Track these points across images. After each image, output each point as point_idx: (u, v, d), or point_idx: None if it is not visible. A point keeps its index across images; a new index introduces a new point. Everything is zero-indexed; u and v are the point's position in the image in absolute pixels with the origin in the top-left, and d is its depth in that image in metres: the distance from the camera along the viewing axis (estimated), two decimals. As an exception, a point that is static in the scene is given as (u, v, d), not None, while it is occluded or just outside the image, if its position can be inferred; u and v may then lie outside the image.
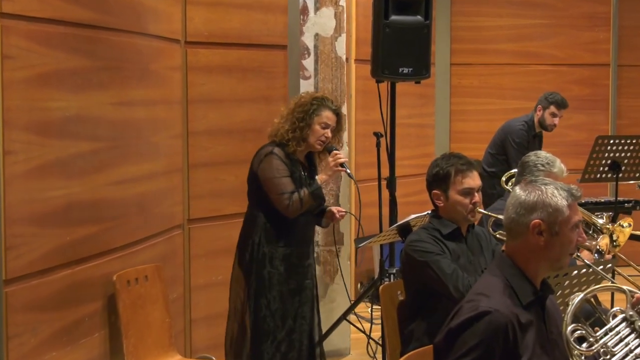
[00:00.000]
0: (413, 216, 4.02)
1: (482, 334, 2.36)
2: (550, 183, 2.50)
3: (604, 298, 4.90)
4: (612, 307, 3.95)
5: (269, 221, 3.96)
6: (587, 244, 3.75)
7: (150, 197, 3.98)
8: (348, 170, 4.04)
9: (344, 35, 5.25)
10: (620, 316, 2.55)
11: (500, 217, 3.24)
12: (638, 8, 7.95)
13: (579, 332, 2.46)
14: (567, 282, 3.09)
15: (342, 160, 3.97)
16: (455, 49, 7.82)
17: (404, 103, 6.12)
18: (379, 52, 4.47)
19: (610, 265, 3.32)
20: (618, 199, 5.65)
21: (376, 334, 4.84)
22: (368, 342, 4.95)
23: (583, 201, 4.93)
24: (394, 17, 4.46)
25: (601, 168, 5.43)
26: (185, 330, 4.44)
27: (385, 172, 4.64)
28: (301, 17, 5.10)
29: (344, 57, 5.26)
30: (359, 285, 6.53)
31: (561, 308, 2.71)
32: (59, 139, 3.24)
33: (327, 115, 3.98)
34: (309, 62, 5.13)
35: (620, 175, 5.42)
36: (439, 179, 3.43)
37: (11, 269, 2.98)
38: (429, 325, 3.29)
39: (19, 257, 3.02)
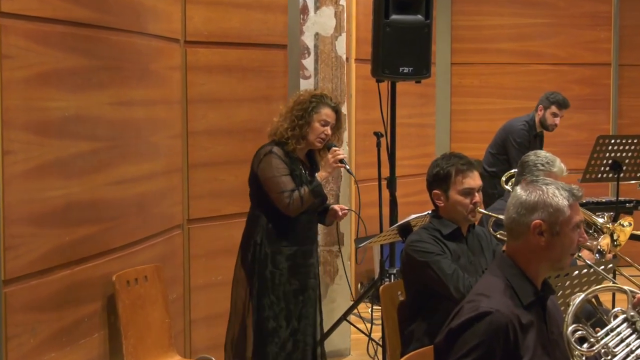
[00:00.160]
0: (413, 216, 4.01)
1: (483, 335, 2.35)
2: (552, 183, 2.49)
3: (605, 298, 4.89)
4: (613, 307, 3.93)
5: (271, 221, 3.95)
6: (588, 244, 3.74)
7: (150, 197, 3.97)
8: (347, 167, 4.03)
9: (344, 35, 5.24)
10: (622, 317, 2.54)
11: (501, 217, 3.24)
12: (639, 7, 7.94)
13: (579, 332, 2.45)
14: (568, 283, 3.08)
15: (341, 156, 3.96)
16: (455, 48, 7.81)
17: (405, 103, 6.11)
18: (380, 52, 4.47)
19: (611, 265, 3.31)
20: (619, 199, 5.64)
21: (376, 334, 4.83)
22: (368, 343, 4.95)
23: (584, 201, 4.92)
24: (394, 17, 4.45)
25: (602, 168, 5.42)
26: (184, 330, 4.43)
27: (386, 172, 4.64)
28: (301, 16, 5.09)
29: (344, 57, 5.26)
30: (359, 285, 6.52)
31: (562, 308, 2.71)
32: (58, 138, 3.24)
33: (326, 113, 3.97)
34: (309, 62, 5.12)
35: (622, 175, 5.41)
36: (439, 179, 3.42)
37: (10, 269, 2.98)
38: (429, 326, 3.28)
39: (18, 257, 3.01)
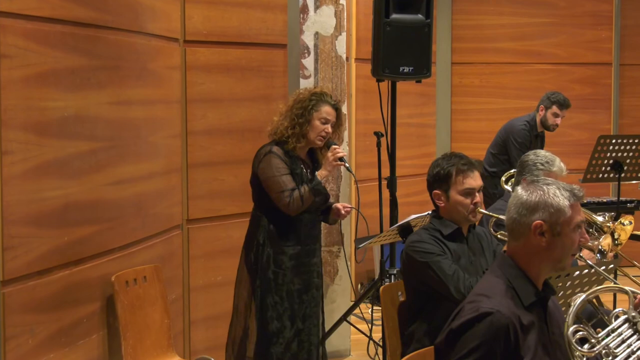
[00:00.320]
0: (414, 216, 4.00)
1: (483, 335, 2.35)
2: (553, 183, 2.48)
3: (606, 299, 4.88)
4: (614, 308, 3.92)
5: (273, 222, 3.95)
6: (589, 244, 3.72)
7: (149, 197, 3.96)
8: (347, 164, 4.02)
9: (344, 34, 5.23)
10: (623, 317, 2.53)
11: (502, 217, 3.23)
12: (640, 7, 7.94)
13: (580, 333, 2.45)
14: (569, 283, 3.07)
15: (340, 154, 3.95)
16: (456, 47, 7.80)
17: (405, 102, 6.11)
18: (380, 51, 4.45)
19: (612, 265, 3.30)
20: (620, 199, 5.63)
21: (377, 335, 4.82)
22: (368, 344, 4.94)
23: (585, 201, 4.91)
24: (394, 16, 4.44)
25: (603, 168, 5.41)
26: (184, 331, 4.42)
27: (386, 172, 4.63)
28: (301, 15, 5.08)
29: (344, 56, 5.24)
30: (359, 286, 6.51)
31: (563, 309, 2.69)
32: (57, 138, 3.23)
33: (326, 111, 3.96)
34: (308, 61, 5.11)
35: (623, 175, 5.40)
36: (439, 179, 3.41)
37: (9, 269, 2.97)
38: (429, 327, 3.27)
39: (17, 257, 3.00)
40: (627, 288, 2.58)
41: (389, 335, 3.46)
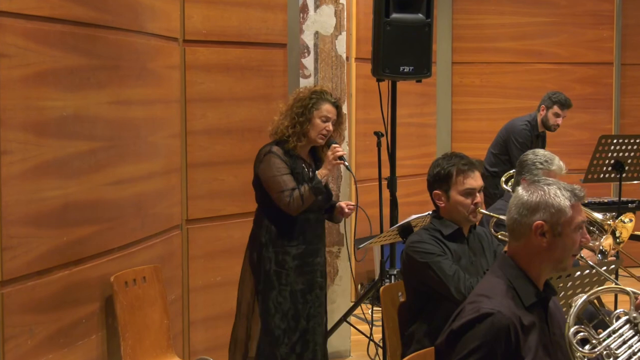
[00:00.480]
0: (414, 216, 4.00)
1: (484, 336, 2.34)
2: (554, 183, 2.47)
3: (608, 300, 4.87)
4: (615, 308, 3.91)
5: (275, 222, 3.94)
6: (590, 244, 3.71)
7: (148, 197, 3.95)
8: (347, 163, 4.01)
9: (344, 34, 5.22)
10: (624, 318, 2.52)
11: (502, 217, 3.22)
12: (641, 6, 7.93)
13: (581, 334, 2.44)
14: (570, 284, 3.06)
15: (340, 153, 3.95)
16: (456, 47, 7.79)
17: (405, 102, 6.10)
18: (380, 51, 4.45)
19: (613, 266, 3.29)
20: (621, 199, 5.62)
21: (377, 335, 4.82)
22: (369, 344, 4.93)
23: (586, 201, 4.90)
24: (395, 15, 4.43)
25: (604, 168, 5.40)
26: (183, 331, 4.41)
27: (386, 172, 4.62)
28: (301, 15, 5.07)
29: (344, 56, 5.24)
30: (359, 286, 6.50)
31: (564, 309, 2.68)
32: (56, 138, 3.22)
33: (327, 109, 3.95)
34: (308, 61, 5.10)
35: (624, 175, 5.39)
36: (440, 179, 3.40)
37: (8, 270, 2.96)
38: (430, 327, 3.26)
39: (16, 258, 3.00)
40: (628, 289, 2.58)
41: (389, 335, 3.45)
